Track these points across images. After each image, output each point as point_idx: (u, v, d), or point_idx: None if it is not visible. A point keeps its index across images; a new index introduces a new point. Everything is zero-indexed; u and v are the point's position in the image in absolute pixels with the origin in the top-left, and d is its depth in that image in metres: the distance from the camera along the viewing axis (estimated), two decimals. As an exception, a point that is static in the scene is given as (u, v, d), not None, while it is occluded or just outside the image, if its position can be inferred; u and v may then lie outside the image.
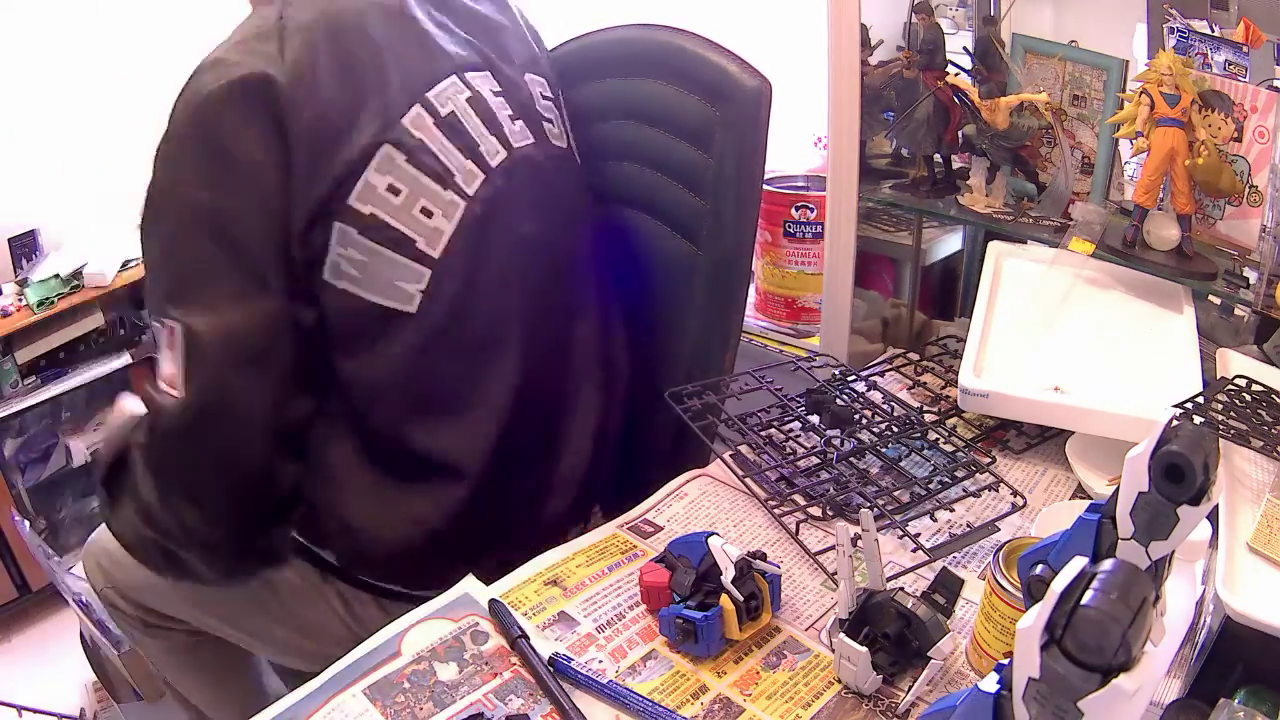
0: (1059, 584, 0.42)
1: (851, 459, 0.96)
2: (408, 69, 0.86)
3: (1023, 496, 0.90)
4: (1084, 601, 0.41)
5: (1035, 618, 0.42)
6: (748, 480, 0.93)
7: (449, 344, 0.88)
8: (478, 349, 0.90)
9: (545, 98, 1.00)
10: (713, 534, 0.75)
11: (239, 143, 0.79)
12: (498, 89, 0.93)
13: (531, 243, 0.93)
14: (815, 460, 0.96)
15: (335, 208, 0.80)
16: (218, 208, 0.80)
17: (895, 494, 0.90)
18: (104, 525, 1.06)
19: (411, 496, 0.92)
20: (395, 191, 0.81)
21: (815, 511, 0.89)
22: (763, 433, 1.00)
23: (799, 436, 1.01)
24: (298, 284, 0.82)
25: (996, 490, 0.91)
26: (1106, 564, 0.42)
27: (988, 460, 0.97)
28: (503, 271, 0.90)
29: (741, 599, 0.72)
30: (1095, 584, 0.41)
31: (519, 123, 0.94)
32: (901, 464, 0.95)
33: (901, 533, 0.84)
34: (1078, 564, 0.43)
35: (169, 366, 0.82)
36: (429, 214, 0.83)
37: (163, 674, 1.23)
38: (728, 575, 0.72)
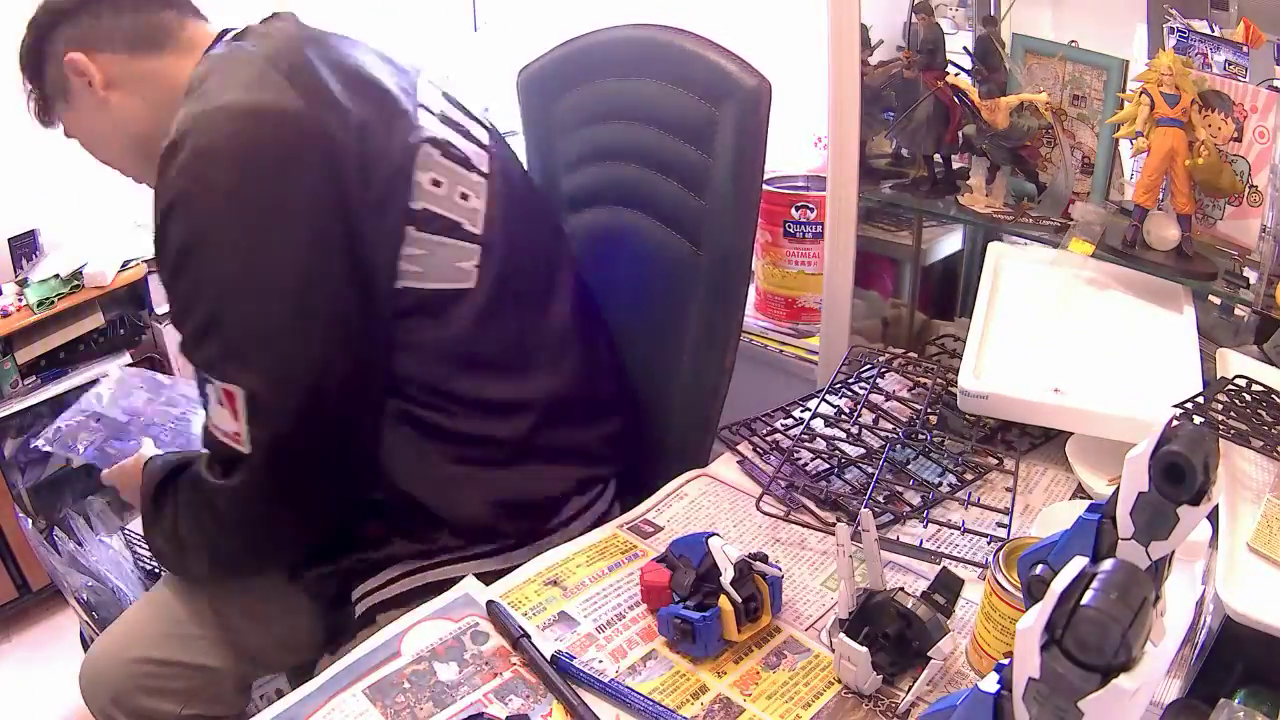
0: (1059, 584, 0.42)
1: (859, 463, 0.96)
2: (385, 77, 0.89)
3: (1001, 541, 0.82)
4: (1084, 601, 0.41)
5: (1035, 618, 0.42)
6: (755, 479, 0.93)
7: (504, 305, 0.92)
8: (528, 306, 0.96)
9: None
10: (713, 534, 0.75)
11: (297, 193, 0.80)
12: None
13: (535, 200, 1.02)
14: (822, 464, 0.96)
15: (397, 213, 0.83)
16: (297, 271, 0.80)
17: (902, 495, 0.90)
18: (97, 645, 1.03)
19: (475, 467, 0.93)
20: (437, 184, 0.87)
21: (816, 511, 0.89)
22: (769, 437, 1.00)
23: (805, 440, 1.01)
24: (371, 306, 0.84)
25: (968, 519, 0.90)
26: (1106, 564, 0.42)
27: (994, 461, 0.97)
28: (530, 230, 0.97)
29: (740, 600, 0.72)
30: (1095, 584, 0.41)
31: (458, 111, 0.99)
32: (909, 467, 0.95)
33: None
34: (1078, 564, 0.43)
35: (231, 424, 0.81)
36: (465, 197, 0.90)
37: None
38: (727, 576, 0.72)
